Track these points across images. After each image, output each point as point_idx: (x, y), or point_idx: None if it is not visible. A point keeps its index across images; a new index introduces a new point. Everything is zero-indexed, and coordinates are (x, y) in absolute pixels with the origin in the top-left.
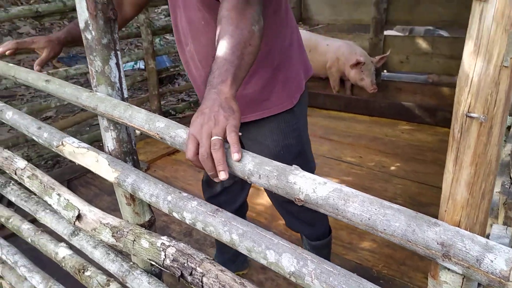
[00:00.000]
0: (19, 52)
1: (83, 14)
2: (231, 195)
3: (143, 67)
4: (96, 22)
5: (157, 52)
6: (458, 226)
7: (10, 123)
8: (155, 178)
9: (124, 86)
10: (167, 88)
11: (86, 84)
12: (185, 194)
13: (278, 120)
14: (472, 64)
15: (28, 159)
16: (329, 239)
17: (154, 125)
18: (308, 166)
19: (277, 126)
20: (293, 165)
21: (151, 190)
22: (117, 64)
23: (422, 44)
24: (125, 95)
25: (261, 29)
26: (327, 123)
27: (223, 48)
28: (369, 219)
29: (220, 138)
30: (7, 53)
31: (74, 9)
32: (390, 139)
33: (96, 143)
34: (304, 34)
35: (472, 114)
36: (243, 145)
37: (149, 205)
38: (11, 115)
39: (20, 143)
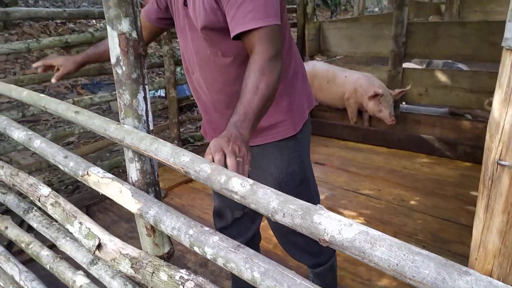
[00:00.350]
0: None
1: (115, 50)
2: (242, 227)
3: (163, 94)
4: (127, 58)
5: (178, 81)
6: (490, 276)
7: (38, 151)
8: (177, 211)
9: (150, 118)
10: (186, 116)
11: (108, 111)
12: (206, 228)
13: (281, 147)
14: (503, 112)
15: (50, 184)
16: (332, 262)
17: (179, 159)
18: (311, 192)
19: (281, 153)
20: (318, 205)
21: (173, 223)
22: (145, 98)
23: (441, 77)
24: (151, 128)
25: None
26: (345, 154)
27: (252, 97)
28: (397, 265)
29: (241, 159)
30: (39, 70)
31: (101, 39)
32: (409, 172)
33: (116, 169)
34: (322, 65)
35: (503, 162)
36: (255, 169)
37: (169, 237)
38: (39, 143)
39: (43, 168)
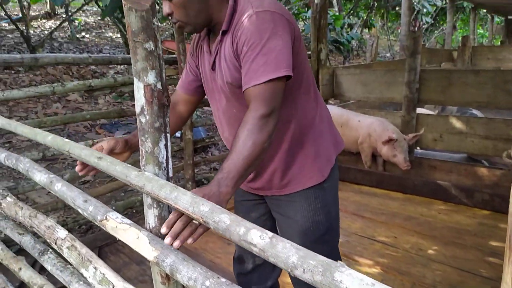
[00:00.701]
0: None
1: (140, 100)
2: (262, 274)
3: (178, 135)
4: (151, 107)
5: (194, 123)
6: None
7: (58, 194)
8: (194, 260)
9: (170, 166)
10: (201, 157)
11: None
12: (223, 280)
13: (308, 195)
14: None
15: (64, 224)
16: None
17: (199, 208)
18: (334, 241)
19: (308, 202)
20: (338, 261)
21: (189, 273)
22: (166, 146)
23: (456, 123)
24: (170, 174)
25: (271, 142)
26: (359, 199)
27: (238, 156)
28: None
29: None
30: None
31: (123, 84)
32: (426, 219)
33: (130, 209)
34: (336, 109)
35: None
36: (274, 219)
37: (184, 286)
38: (60, 186)
39: (59, 208)
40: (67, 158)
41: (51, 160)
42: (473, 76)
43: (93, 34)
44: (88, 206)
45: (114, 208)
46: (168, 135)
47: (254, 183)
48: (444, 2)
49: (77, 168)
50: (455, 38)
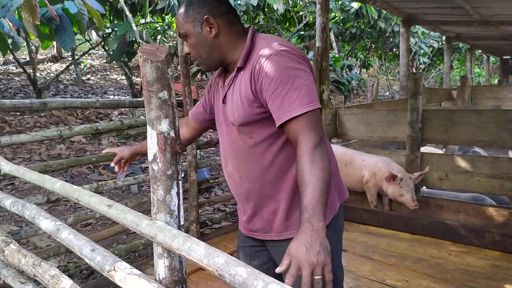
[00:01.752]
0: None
1: (153, 148)
2: None
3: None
4: (163, 155)
5: (199, 164)
6: None
7: (65, 243)
8: None
9: (182, 213)
10: (205, 198)
11: (127, 191)
12: None
13: None
14: None
15: (66, 269)
16: None
17: (214, 260)
18: None
19: None
20: None
21: None
22: (178, 193)
23: (461, 162)
24: (182, 222)
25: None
26: (367, 240)
27: (313, 189)
28: None
29: (321, 277)
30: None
31: (130, 127)
32: (436, 261)
33: (132, 253)
34: (339, 148)
35: None
36: (277, 265)
37: None
38: (66, 234)
39: (61, 253)
40: (69, 200)
41: (53, 202)
42: (476, 115)
43: (98, 76)
44: (95, 256)
45: (116, 252)
46: (181, 182)
47: (254, 223)
48: (440, 43)
49: (116, 169)
50: (452, 77)
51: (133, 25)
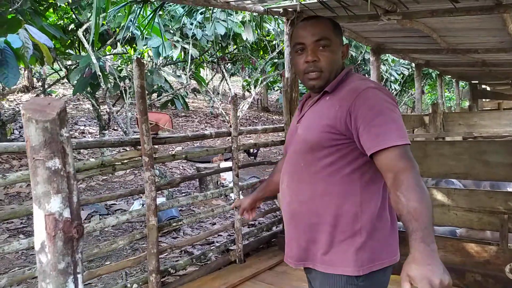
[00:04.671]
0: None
1: (40, 234)
2: None
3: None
4: (53, 243)
5: (159, 207)
6: None
7: None
8: None
9: None
10: (167, 243)
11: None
12: None
13: (339, 284)
14: None
15: None
16: None
17: None
18: None
19: None
20: None
21: None
22: None
23: (437, 195)
24: None
25: None
26: None
27: (421, 212)
28: None
29: None
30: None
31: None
32: None
33: None
34: None
35: None
36: None
37: None
38: None
39: None
40: None
41: None
42: (449, 147)
43: (70, 106)
44: None
45: None
46: (80, 276)
47: (291, 250)
48: (410, 70)
49: (247, 216)
50: (424, 100)
51: (93, 57)
